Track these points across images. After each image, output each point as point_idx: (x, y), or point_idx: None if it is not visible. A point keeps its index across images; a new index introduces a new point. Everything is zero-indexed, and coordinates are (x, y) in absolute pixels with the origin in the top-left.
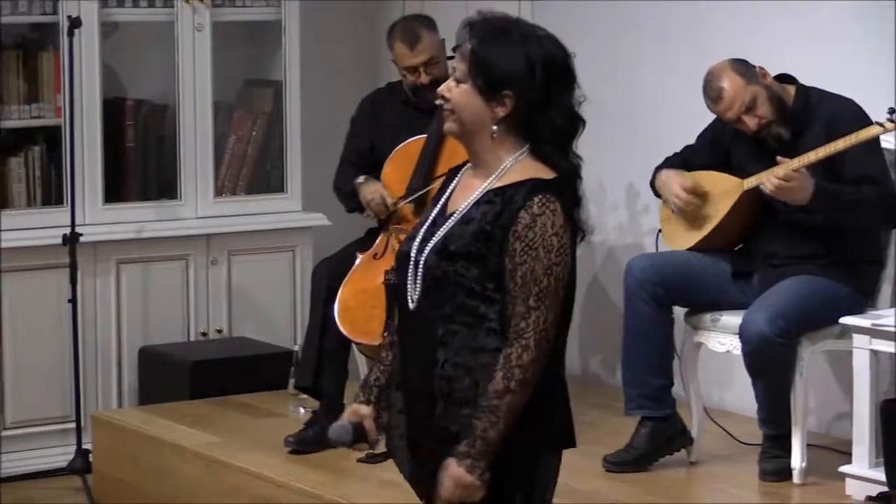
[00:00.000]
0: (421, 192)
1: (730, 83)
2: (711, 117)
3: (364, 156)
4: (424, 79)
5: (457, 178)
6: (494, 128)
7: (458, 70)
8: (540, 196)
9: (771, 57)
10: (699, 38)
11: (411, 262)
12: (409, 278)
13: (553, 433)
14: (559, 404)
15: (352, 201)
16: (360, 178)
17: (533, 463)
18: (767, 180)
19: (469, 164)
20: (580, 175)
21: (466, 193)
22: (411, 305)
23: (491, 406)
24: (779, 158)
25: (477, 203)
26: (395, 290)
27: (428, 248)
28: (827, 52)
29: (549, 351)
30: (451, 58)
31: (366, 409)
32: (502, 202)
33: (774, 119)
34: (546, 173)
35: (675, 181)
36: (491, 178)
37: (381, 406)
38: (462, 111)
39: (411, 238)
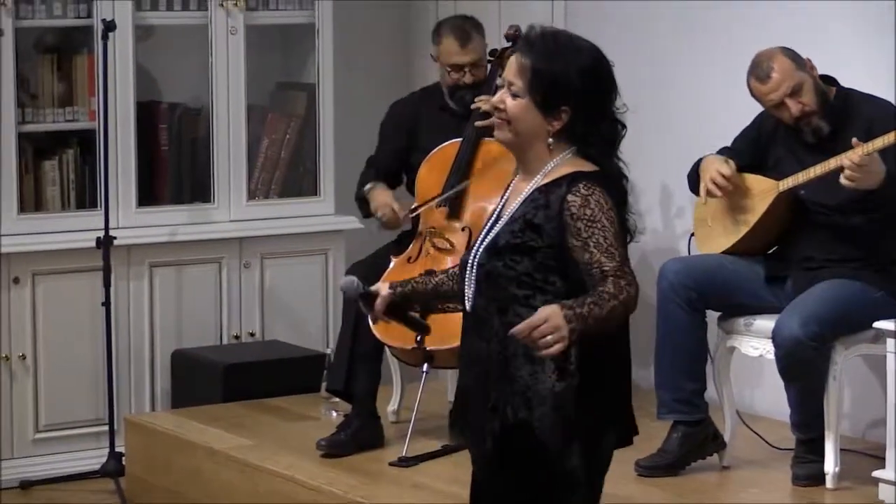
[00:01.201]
0: (428, 203)
1: (779, 65)
2: (747, 118)
3: (399, 155)
4: (469, 78)
5: (509, 189)
6: (550, 140)
7: (515, 85)
8: (584, 182)
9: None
10: (734, 41)
11: (468, 268)
12: (467, 283)
13: (620, 415)
14: (626, 387)
15: (365, 207)
16: (368, 185)
17: (598, 441)
18: (842, 163)
19: (518, 172)
20: (627, 176)
21: (517, 197)
22: (468, 307)
23: (599, 297)
24: (854, 141)
25: (524, 202)
26: (463, 301)
27: (481, 249)
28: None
29: (633, 306)
30: (488, 61)
31: (385, 289)
32: (546, 196)
33: (816, 110)
34: (588, 168)
35: (716, 164)
36: (536, 178)
37: (404, 299)
38: (519, 124)
39: (471, 249)
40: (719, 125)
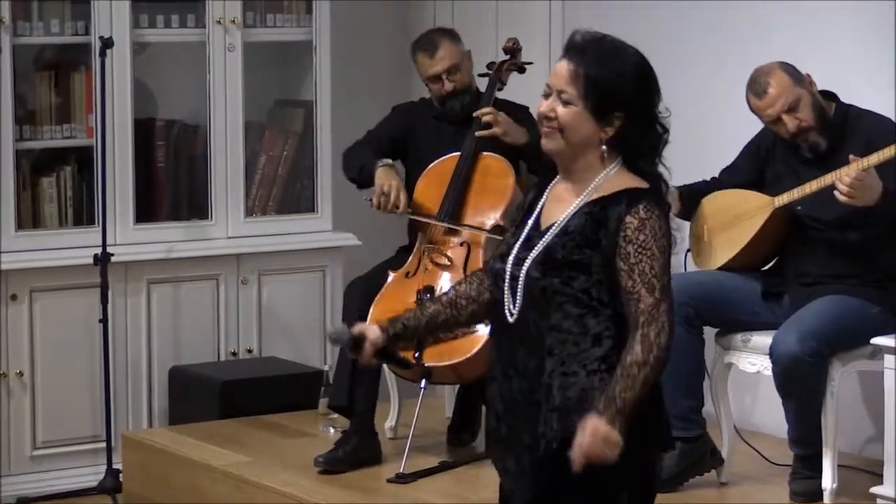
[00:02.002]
0: (427, 219)
1: (777, 80)
2: (748, 124)
3: (395, 143)
4: (448, 86)
5: (546, 193)
6: (603, 147)
7: (566, 93)
8: (644, 203)
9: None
10: (736, 43)
11: (507, 278)
12: (507, 293)
13: (658, 433)
14: (662, 405)
15: (363, 173)
16: (381, 162)
17: (636, 462)
18: (839, 180)
19: (557, 178)
20: (668, 184)
21: (561, 207)
22: (510, 319)
23: (628, 373)
24: (851, 157)
25: (575, 215)
26: (494, 304)
27: (528, 262)
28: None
29: (670, 344)
30: (484, 75)
31: (376, 332)
32: (602, 212)
33: (814, 126)
34: (639, 183)
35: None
36: (588, 191)
37: (395, 338)
38: (571, 132)
39: (504, 255)
40: (720, 133)
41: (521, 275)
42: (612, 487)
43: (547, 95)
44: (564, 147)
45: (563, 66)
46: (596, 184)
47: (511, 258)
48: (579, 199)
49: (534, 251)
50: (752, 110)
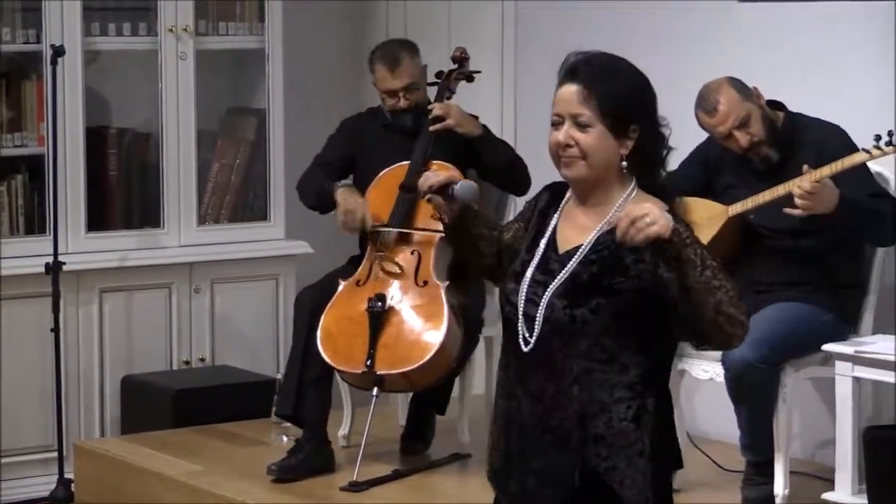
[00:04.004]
0: (401, 230)
1: (726, 97)
2: (696, 139)
3: (344, 163)
4: (403, 103)
5: (557, 214)
6: (624, 164)
7: (582, 116)
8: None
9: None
10: (681, 53)
11: (521, 302)
12: (521, 319)
13: (674, 453)
14: (674, 426)
15: (322, 198)
16: (341, 183)
17: (658, 484)
18: (796, 188)
19: (569, 199)
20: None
21: (579, 232)
22: (525, 347)
23: (720, 275)
24: (805, 168)
25: (599, 240)
26: (504, 325)
27: (552, 289)
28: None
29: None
30: (433, 84)
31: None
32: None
33: (765, 140)
34: (658, 202)
35: None
36: (609, 217)
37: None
38: (595, 155)
39: (518, 276)
40: (672, 142)
41: (542, 302)
42: None
43: (556, 124)
44: (588, 173)
45: (571, 90)
46: (615, 209)
47: (527, 280)
48: (601, 225)
49: (558, 278)
50: (703, 127)
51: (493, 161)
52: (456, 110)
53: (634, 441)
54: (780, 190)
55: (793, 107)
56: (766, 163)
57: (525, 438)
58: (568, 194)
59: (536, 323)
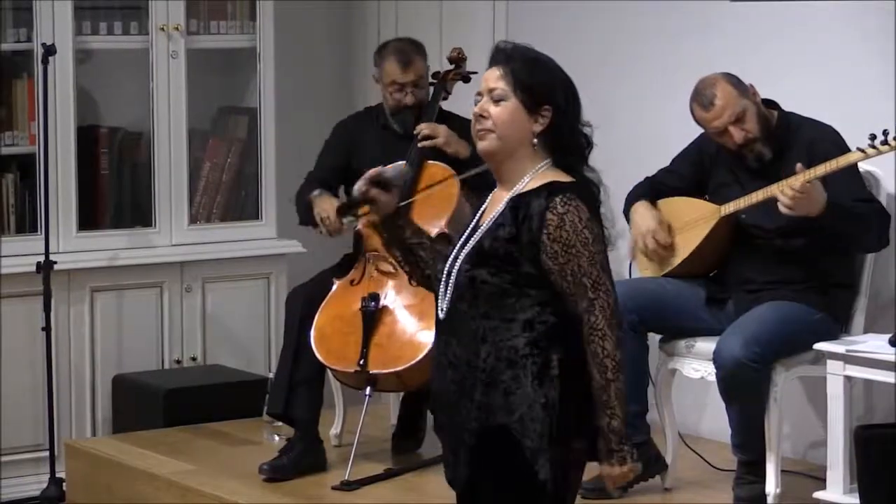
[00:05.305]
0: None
1: (722, 92)
2: (688, 137)
3: (338, 173)
4: (409, 99)
5: (486, 201)
6: (535, 140)
7: (497, 90)
8: (560, 196)
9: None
10: (672, 52)
11: (443, 276)
12: (441, 290)
13: (591, 430)
14: (585, 387)
15: (306, 214)
16: (316, 192)
17: (569, 455)
18: (787, 188)
19: (496, 186)
20: (602, 184)
21: (495, 207)
22: (441, 314)
23: (602, 401)
24: (798, 167)
25: (504, 210)
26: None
27: (461, 258)
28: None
29: (619, 324)
30: (431, 83)
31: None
32: (525, 206)
33: (759, 136)
34: (564, 178)
35: (651, 225)
36: (516, 187)
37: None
38: (505, 127)
39: (444, 258)
40: (660, 139)
41: (454, 270)
42: (541, 480)
43: (476, 104)
44: (499, 145)
45: (492, 71)
46: (524, 180)
47: (451, 256)
48: (509, 195)
49: (466, 247)
50: (698, 122)
51: (481, 174)
52: (444, 130)
53: (537, 397)
54: (773, 189)
55: (788, 107)
56: (760, 160)
57: (451, 407)
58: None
59: (449, 289)
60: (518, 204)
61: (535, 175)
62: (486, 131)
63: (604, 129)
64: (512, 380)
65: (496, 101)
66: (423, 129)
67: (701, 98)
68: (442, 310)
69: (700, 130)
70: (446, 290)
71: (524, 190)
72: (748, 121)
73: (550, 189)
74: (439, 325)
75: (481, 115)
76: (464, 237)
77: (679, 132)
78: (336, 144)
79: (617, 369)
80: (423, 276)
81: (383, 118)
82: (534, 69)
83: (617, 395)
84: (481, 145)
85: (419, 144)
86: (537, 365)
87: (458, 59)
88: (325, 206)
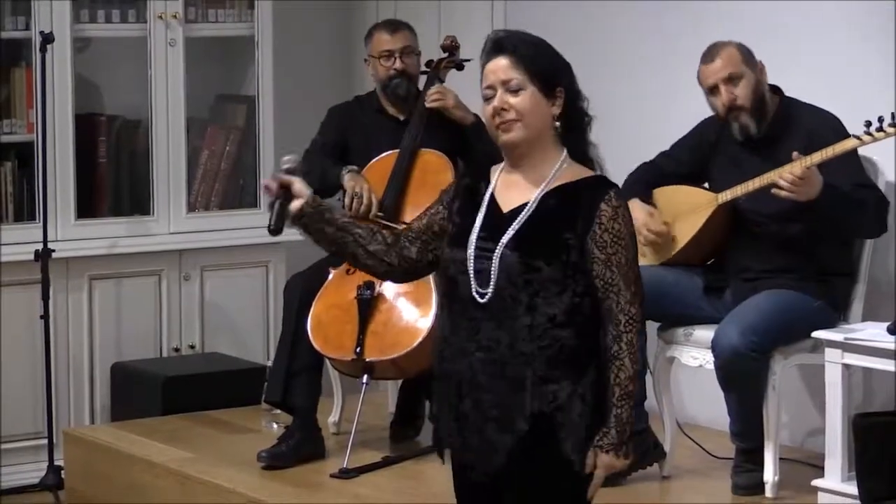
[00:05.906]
0: (394, 225)
1: (727, 53)
2: (689, 125)
3: (333, 152)
4: (399, 65)
5: (493, 182)
6: (557, 124)
7: (513, 80)
8: (614, 190)
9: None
10: (670, 45)
11: (472, 260)
12: (472, 275)
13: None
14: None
15: (326, 181)
16: (352, 167)
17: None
18: (781, 177)
19: (504, 166)
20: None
21: (520, 193)
22: (481, 299)
23: (628, 392)
24: (795, 154)
25: (544, 199)
26: (449, 288)
27: (503, 243)
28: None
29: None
30: (424, 72)
31: (306, 193)
32: (572, 197)
33: (747, 107)
34: (591, 173)
35: (642, 216)
36: (549, 178)
37: (316, 211)
38: (528, 115)
39: (458, 239)
40: (659, 128)
41: (495, 255)
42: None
43: (489, 98)
44: (526, 134)
45: (499, 61)
46: (555, 172)
47: (473, 240)
48: (543, 186)
49: (508, 232)
50: (698, 79)
51: (481, 149)
52: (452, 94)
53: (579, 387)
54: (771, 176)
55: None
56: (745, 132)
57: (480, 390)
58: (499, 167)
59: (492, 275)
60: (565, 193)
61: (563, 169)
62: (511, 122)
63: (603, 128)
64: (557, 368)
65: (514, 92)
66: (433, 92)
67: (706, 56)
68: (482, 295)
69: (701, 117)
70: (482, 274)
71: (559, 182)
72: (741, 86)
73: (601, 181)
74: (472, 312)
75: (502, 109)
76: (480, 220)
77: (679, 132)
78: (330, 127)
79: (641, 363)
80: (364, 263)
81: (376, 103)
82: (539, 54)
83: (636, 387)
84: (507, 137)
85: (427, 103)
86: (580, 354)
87: (451, 47)
88: (361, 183)
